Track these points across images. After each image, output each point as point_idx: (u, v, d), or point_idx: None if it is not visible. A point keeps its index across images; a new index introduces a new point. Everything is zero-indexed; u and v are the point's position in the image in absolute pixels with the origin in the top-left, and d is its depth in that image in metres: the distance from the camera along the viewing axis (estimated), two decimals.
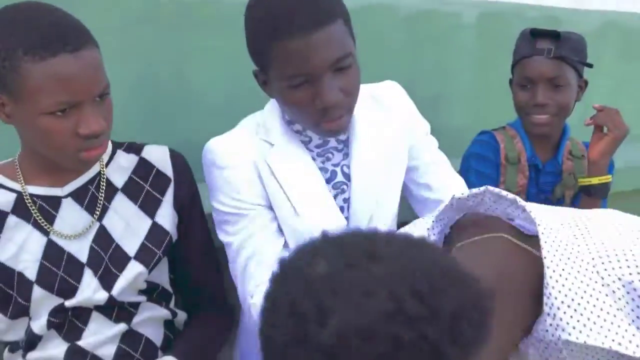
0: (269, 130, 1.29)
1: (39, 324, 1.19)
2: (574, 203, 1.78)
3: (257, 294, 1.23)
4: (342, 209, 1.32)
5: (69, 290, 1.19)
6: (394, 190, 1.37)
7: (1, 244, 1.17)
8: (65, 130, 1.06)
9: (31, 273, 1.17)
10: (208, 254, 1.34)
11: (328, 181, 1.30)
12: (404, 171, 1.39)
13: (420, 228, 1.07)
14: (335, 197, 1.31)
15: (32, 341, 1.20)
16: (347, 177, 1.31)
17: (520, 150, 1.74)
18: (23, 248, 1.18)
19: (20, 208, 1.17)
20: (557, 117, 1.67)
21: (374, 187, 1.32)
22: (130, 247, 1.23)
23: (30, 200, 1.18)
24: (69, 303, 1.18)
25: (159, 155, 1.28)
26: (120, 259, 1.22)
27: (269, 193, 1.27)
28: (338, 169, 1.31)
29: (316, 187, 1.28)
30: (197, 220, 1.32)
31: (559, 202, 1.76)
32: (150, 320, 1.27)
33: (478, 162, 1.74)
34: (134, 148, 1.28)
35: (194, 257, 1.33)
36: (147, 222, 1.25)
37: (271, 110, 1.31)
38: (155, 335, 1.28)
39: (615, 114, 1.67)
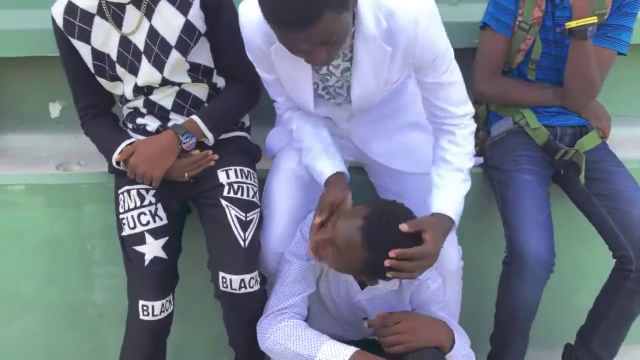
0: None
1: (128, 90, 1.81)
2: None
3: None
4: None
5: (135, 70, 1.77)
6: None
7: (93, 35, 1.75)
8: None
9: (114, 55, 1.77)
10: (235, 42, 1.68)
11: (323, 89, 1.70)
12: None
13: None
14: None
15: (126, 99, 1.86)
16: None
17: None
18: (107, 38, 1.75)
19: (100, 11, 1.72)
20: None
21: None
22: (172, 39, 1.74)
23: (105, 6, 1.71)
24: (140, 82, 1.78)
25: None
26: (165, 48, 1.74)
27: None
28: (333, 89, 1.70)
29: (305, 91, 1.66)
30: (222, 17, 1.75)
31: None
32: (196, 86, 1.84)
33: None
34: None
35: (221, 43, 1.79)
36: (181, 20, 1.72)
37: None
38: (201, 94, 1.85)
39: None
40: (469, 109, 1.69)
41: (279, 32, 1.40)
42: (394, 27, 1.51)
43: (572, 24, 1.80)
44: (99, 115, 1.88)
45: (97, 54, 1.76)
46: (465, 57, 1.92)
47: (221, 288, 1.70)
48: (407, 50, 1.55)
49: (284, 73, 1.65)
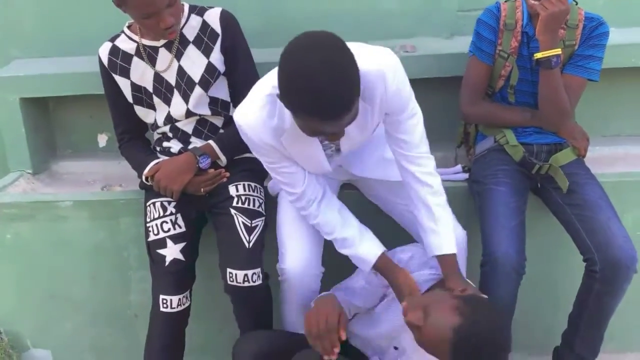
0: (283, 115, 1.68)
1: (160, 118, 2.15)
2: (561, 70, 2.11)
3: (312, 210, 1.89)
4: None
5: (168, 101, 2.11)
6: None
7: (132, 72, 2.10)
8: (153, 26, 1.93)
9: (150, 88, 2.12)
10: (248, 82, 1.89)
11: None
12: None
13: None
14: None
15: (157, 125, 2.19)
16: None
17: (518, 18, 2.14)
18: (143, 75, 2.10)
19: (138, 52, 2.09)
20: None
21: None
22: (196, 76, 2.09)
23: (142, 48, 2.07)
24: (172, 111, 2.12)
25: (213, 17, 2.07)
26: (190, 84, 2.09)
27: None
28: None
29: (317, 156, 1.81)
30: (239, 60, 2.10)
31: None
32: (214, 117, 2.17)
33: (480, 26, 2.20)
34: (200, 11, 2.09)
35: (237, 82, 2.11)
36: (205, 61, 2.08)
37: None
38: (218, 122, 2.18)
39: None
40: (427, 147, 1.86)
41: (315, 123, 1.51)
42: (366, 87, 1.64)
43: (538, 55, 2.02)
44: (134, 139, 2.22)
45: (135, 87, 2.11)
46: (458, 84, 2.23)
47: (228, 282, 1.98)
48: (381, 102, 1.71)
49: (297, 153, 1.80)
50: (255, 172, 2.20)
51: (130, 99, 2.14)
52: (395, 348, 1.91)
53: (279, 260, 2.01)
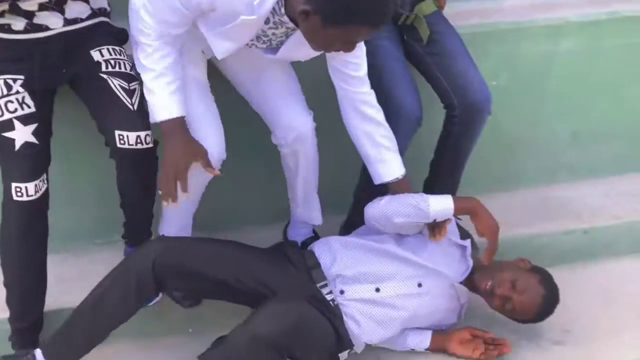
0: (264, 3, 1.60)
1: None
2: None
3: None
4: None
5: None
6: None
7: None
8: None
9: None
10: None
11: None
12: None
13: None
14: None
15: None
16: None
17: None
18: None
19: None
20: None
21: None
22: None
23: None
24: None
25: None
26: None
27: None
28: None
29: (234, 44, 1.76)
30: None
31: None
32: None
33: None
34: None
35: None
36: None
37: None
38: None
39: None
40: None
41: (364, 29, 1.58)
42: None
43: None
44: None
45: None
46: None
47: (118, 145, 1.84)
48: None
49: (232, 31, 1.71)
50: (115, 35, 2.02)
51: None
52: (419, 285, 1.96)
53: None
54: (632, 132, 2.78)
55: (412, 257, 1.96)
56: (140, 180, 1.98)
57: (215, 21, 1.72)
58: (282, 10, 1.64)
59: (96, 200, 2.31)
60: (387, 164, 1.98)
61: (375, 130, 1.95)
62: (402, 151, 2.06)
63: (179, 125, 1.84)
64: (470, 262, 2.03)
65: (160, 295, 2.06)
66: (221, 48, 1.80)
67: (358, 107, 1.93)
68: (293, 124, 1.99)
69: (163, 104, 1.82)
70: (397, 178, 2.00)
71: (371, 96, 1.94)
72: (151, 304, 2.04)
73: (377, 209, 1.99)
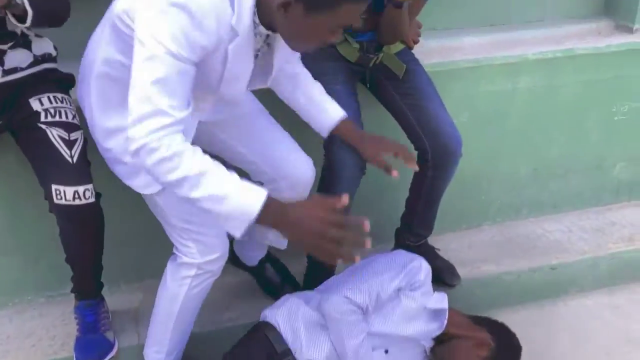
0: (241, 17, 1.44)
1: None
2: None
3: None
4: None
5: None
6: None
7: None
8: None
9: None
10: None
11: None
12: None
13: None
14: None
15: None
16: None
17: None
18: None
19: None
20: None
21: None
22: None
23: None
24: None
25: None
26: None
27: (208, 63, 1.47)
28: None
29: (244, 79, 1.60)
30: None
31: None
32: None
33: None
34: None
35: None
36: None
37: None
38: None
39: None
40: None
41: (354, 8, 1.42)
42: None
43: None
44: None
45: None
46: None
47: (55, 201, 1.73)
48: None
49: (232, 67, 1.53)
50: (59, 82, 1.91)
51: None
52: (386, 352, 1.90)
53: (187, 253, 1.76)
54: (590, 167, 2.81)
55: (381, 329, 1.89)
56: (82, 236, 1.84)
57: (211, 71, 1.53)
58: (257, 19, 1.50)
59: (44, 250, 2.16)
60: (330, 111, 1.90)
61: (312, 87, 1.90)
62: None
63: (273, 200, 1.42)
64: (444, 322, 1.95)
65: None
66: (233, 91, 1.65)
67: (290, 73, 1.88)
68: (300, 175, 1.95)
69: (244, 195, 1.40)
70: (344, 116, 1.89)
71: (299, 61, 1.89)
72: None
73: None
